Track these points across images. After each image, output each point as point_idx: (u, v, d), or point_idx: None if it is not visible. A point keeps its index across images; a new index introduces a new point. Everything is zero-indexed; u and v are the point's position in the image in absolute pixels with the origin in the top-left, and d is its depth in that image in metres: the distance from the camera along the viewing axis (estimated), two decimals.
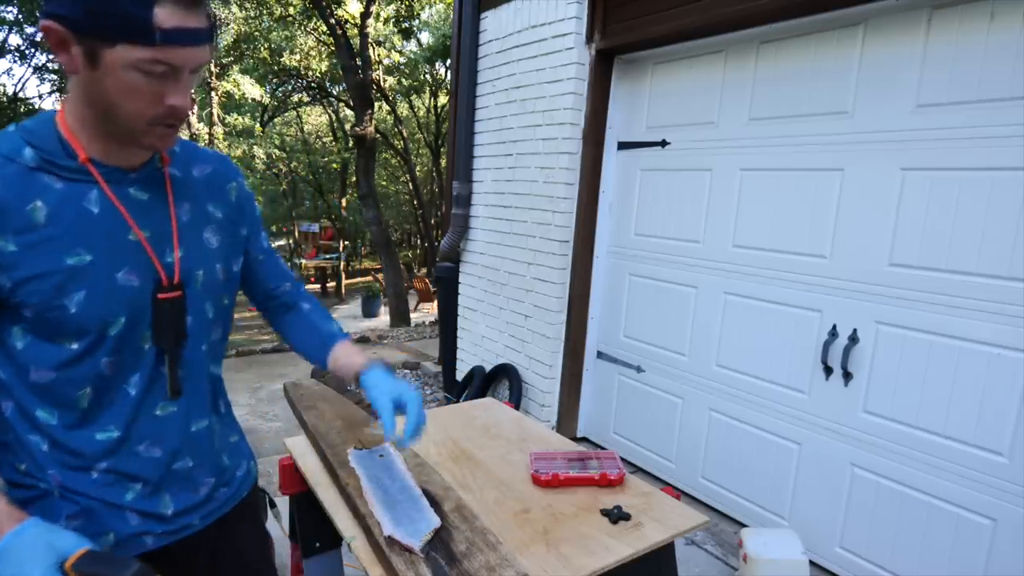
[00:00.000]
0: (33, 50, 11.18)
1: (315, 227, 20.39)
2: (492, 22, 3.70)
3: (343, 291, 18.51)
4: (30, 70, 11.75)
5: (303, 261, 19.69)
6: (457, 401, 3.98)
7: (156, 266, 0.89)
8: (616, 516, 1.31)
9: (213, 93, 15.25)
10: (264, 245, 1.16)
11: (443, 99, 14.56)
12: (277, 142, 18.33)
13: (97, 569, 0.74)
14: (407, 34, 11.93)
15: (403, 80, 13.47)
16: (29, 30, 10.82)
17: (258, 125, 16.49)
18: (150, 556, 0.96)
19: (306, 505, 1.55)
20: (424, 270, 18.28)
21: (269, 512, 2.11)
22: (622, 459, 1.58)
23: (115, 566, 0.74)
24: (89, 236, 0.82)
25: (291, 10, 12.05)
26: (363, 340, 6.61)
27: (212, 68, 15.17)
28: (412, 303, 12.95)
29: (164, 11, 0.73)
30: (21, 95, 12.18)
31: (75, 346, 0.84)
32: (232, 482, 1.11)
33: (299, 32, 12.88)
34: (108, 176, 0.85)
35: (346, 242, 19.84)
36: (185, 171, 0.97)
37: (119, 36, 0.72)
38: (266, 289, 1.20)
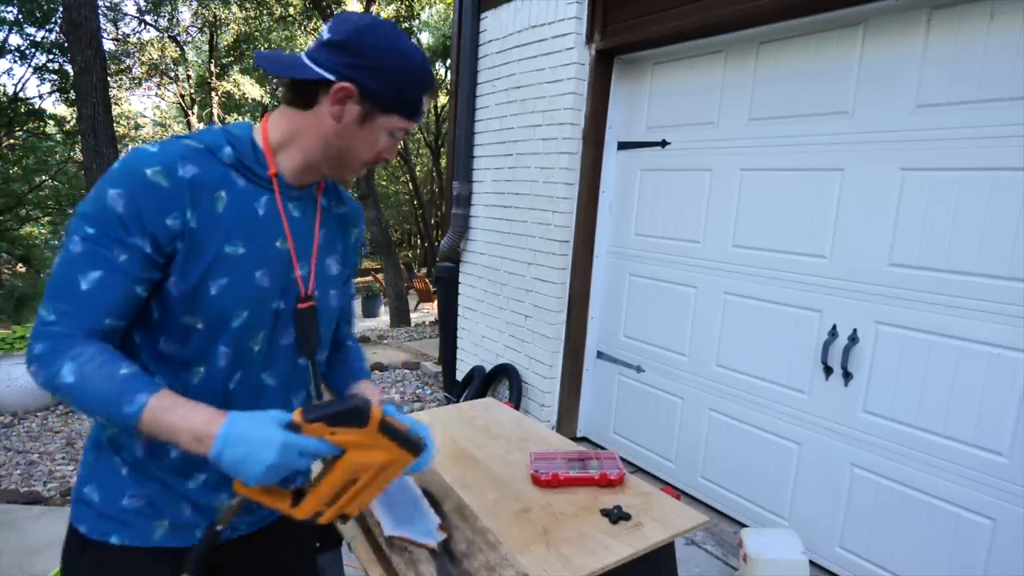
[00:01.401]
0: (33, 50, 11.18)
1: None
2: (492, 22, 3.70)
3: None
4: (30, 70, 11.75)
5: None
6: (457, 401, 3.98)
7: (297, 275, 0.99)
8: (616, 516, 1.31)
9: (213, 93, 15.25)
10: (351, 291, 1.22)
11: (443, 99, 14.56)
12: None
13: (324, 412, 0.80)
14: (407, 34, 11.93)
15: None
16: (29, 30, 10.82)
17: (258, 125, 16.47)
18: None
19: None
20: (424, 270, 18.27)
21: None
22: (622, 459, 1.58)
23: (340, 404, 0.81)
24: (249, 232, 0.92)
25: (291, 10, 12.06)
26: (363, 340, 6.61)
27: (212, 68, 15.18)
28: (412, 303, 12.96)
29: (425, 100, 0.96)
30: (21, 95, 12.18)
31: (200, 326, 0.91)
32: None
33: (299, 32, 12.88)
34: (281, 189, 0.97)
35: None
36: (329, 203, 1.08)
37: (399, 111, 0.93)
38: (338, 327, 1.25)
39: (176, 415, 0.79)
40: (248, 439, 0.77)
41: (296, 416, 0.79)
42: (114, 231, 0.82)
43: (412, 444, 0.85)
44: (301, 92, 0.92)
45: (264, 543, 1.08)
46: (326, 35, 0.90)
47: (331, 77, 0.88)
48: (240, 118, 17.54)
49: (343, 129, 0.92)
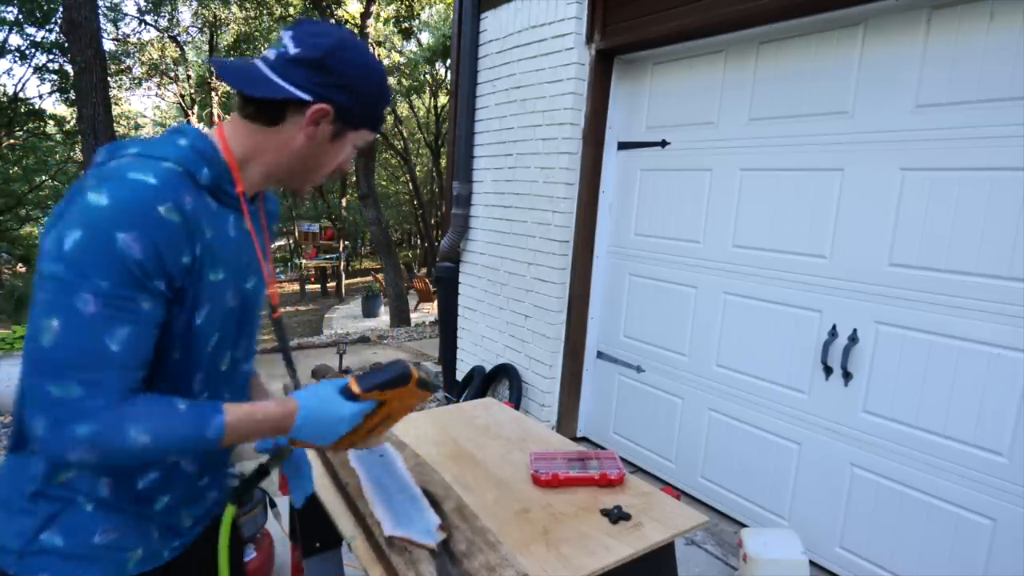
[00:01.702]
0: (33, 50, 11.18)
1: (315, 227, 20.38)
2: (492, 22, 3.70)
3: (343, 291, 18.51)
4: (30, 70, 11.75)
5: (303, 261, 19.69)
6: (457, 401, 3.98)
7: (271, 291, 1.02)
8: (616, 516, 1.31)
9: (213, 93, 15.25)
10: None
11: (443, 99, 14.57)
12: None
13: (377, 380, 0.94)
14: (407, 34, 11.94)
15: (403, 80, 13.47)
16: (29, 30, 10.82)
17: None
18: (165, 569, 0.97)
19: (306, 505, 1.55)
20: (424, 270, 18.28)
21: (269, 512, 2.11)
22: (622, 459, 1.58)
23: (387, 371, 0.95)
24: (224, 257, 0.90)
25: (291, 10, 12.06)
26: (363, 340, 6.61)
27: (212, 68, 15.16)
28: (412, 303, 12.96)
29: (386, 113, 0.98)
30: (21, 95, 12.18)
31: (177, 355, 0.87)
32: (223, 488, 1.11)
33: None
34: (246, 204, 0.96)
35: (346, 242, 19.84)
36: (266, 206, 1.08)
37: (366, 125, 0.95)
38: None
39: (253, 420, 0.86)
40: (322, 418, 0.90)
41: (354, 387, 0.92)
42: (135, 279, 0.75)
43: (434, 387, 1.03)
44: (268, 109, 0.88)
45: (210, 538, 1.07)
46: (293, 50, 0.86)
47: (307, 98, 0.86)
48: None
49: (315, 148, 0.92)
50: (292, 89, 0.86)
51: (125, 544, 0.90)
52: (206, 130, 0.93)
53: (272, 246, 1.10)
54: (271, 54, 0.88)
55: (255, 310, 1.02)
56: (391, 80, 13.17)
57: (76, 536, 0.86)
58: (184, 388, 0.90)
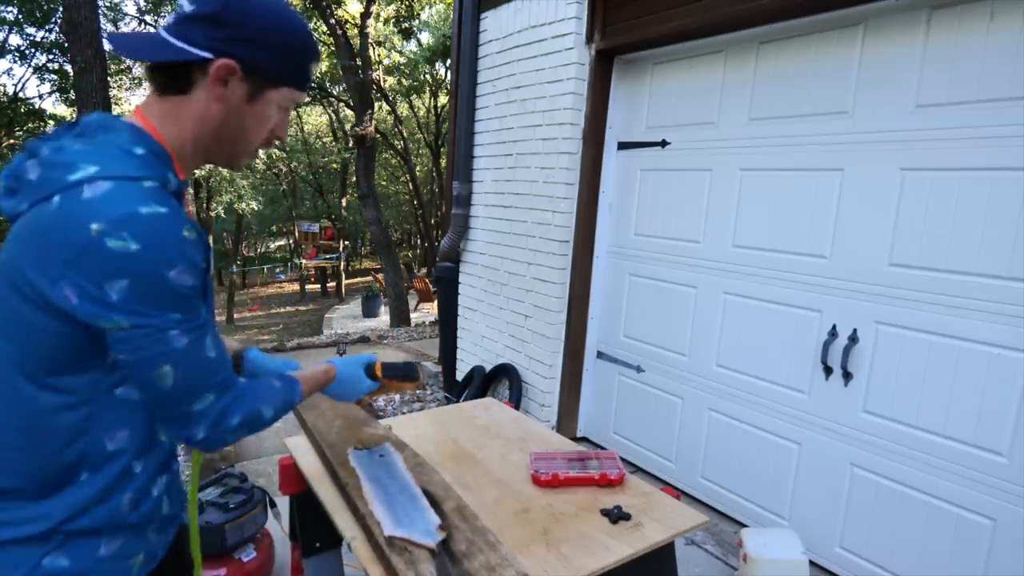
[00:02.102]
0: (33, 50, 11.18)
1: (315, 227, 20.41)
2: (492, 22, 3.70)
3: (343, 291, 18.51)
4: (30, 70, 11.75)
5: (303, 261, 19.69)
6: (457, 401, 3.98)
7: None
8: (616, 516, 1.31)
9: None
10: None
11: (443, 99, 14.57)
12: (277, 142, 18.35)
13: (396, 371, 1.39)
14: (407, 34, 11.93)
15: (403, 80, 13.47)
16: (29, 30, 10.82)
17: None
18: (160, 566, 0.99)
19: (306, 505, 1.55)
20: (424, 270, 18.28)
21: (269, 512, 2.11)
22: (622, 459, 1.58)
23: (404, 366, 1.41)
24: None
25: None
26: (363, 340, 6.61)
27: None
28: (412, 303, 12.96)
29: (313, 67, 0.94)
30: (21, 95, 12.18)
31: None
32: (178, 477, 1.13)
33: None
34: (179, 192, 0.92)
35: (346, 242, 19.84)
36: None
37: (289, 82, 0.90)
38: None
39: (313, 382, 1.17)
40: (350, 382, 1.28)
41: (379, 370, 1.34)
42: (196, 299, 0.81)
43: (422, 385, 1.51)
44: (173, 77, 0.84)
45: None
46: (188, 7, 0.82)
47: (207, 55, 0.81)
48: None
49: (231, 111, 0.86)
50: (190, 48, 0.81)
51: (128, 551, 0.91)
52: (130, 119, 0.86)
53: None
54: (170, 18, 0.84)
55: None
56: (390, 80, 13.18)
57: (81, 553, 0.85)
58: None
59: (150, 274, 0.75)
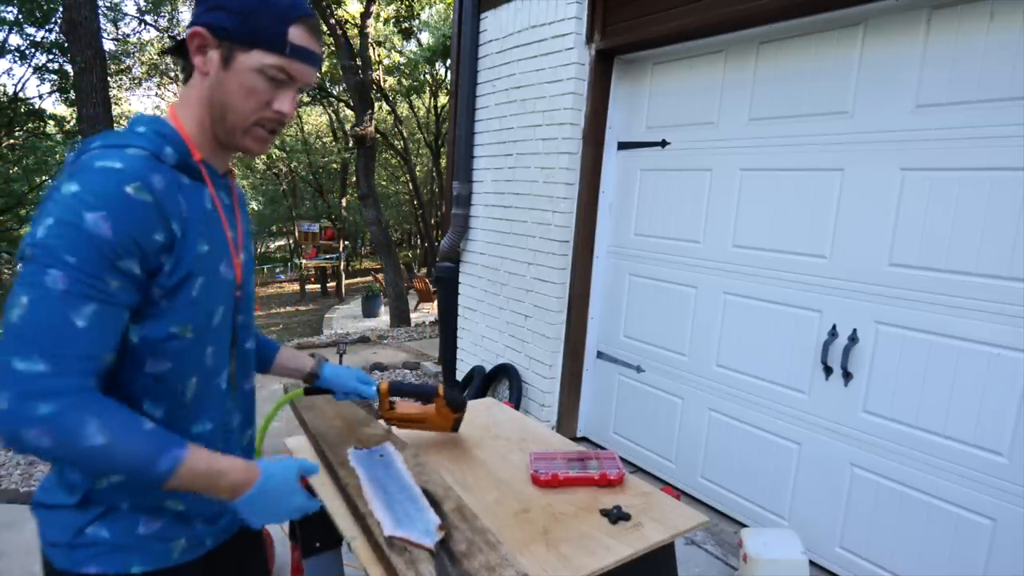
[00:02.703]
0: (33, 50, 11.18)
1: (315, 227, 20.39)
2: (492, 22, 3.70)
3: (343, 291, 18.50)
4: (30, 70, 11.75)
5: (303, 261, 19.68)
6: None
7: (235, 264, 0.97)
8: (616, 516, 1.31)
9: None
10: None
11: (443, 99, 14.56)
12: (277, 142, 18.37)
13: (409, 388, 1.44)
14: (407, 34, 11.92)
15: (403, 80, 13.46)
16: (29, 30, 10.82)
17: None
18: (206, 560, 1.00)
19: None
20: (424, 270, 18.28)
21: None
22: (622, 459, 1.58)
23: (420, 388, 1.46)
24: (206, 230, 0.90)
25: None
26: (363, 340, 6.61)
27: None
28: (412, 303, 12.95)
29: (296, 31, 0.87)
30: (21, 95, 12.18)
31: (189, 335, 0.89)
32: None
33: None
34: (211, 177, 0.94)
35: (346, 242, 19.83)
36: (237, 185, 1.06)
37: (258, 43, 0.85)
38: None
39: (209, 472, 0.84)
40: (270, 502, 0.91)
41: (383, 386, 1.33)
42: (103, 258, 0.75)
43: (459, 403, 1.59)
44: (182, 63, 0.90)
45: (245, 537, 1.11)
46: None
47: (194, 29, 0.85)
48: None
49: (213, 82, 0.87)
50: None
51: (168, 535, 0.93)
52: (162, 113, 0.93)
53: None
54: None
55: (243, 283, 1.01)
56: (390, 80, 13.17)
57: (121, 528, 0.89)
58: (200, 368, 0.92)
59: (72, 213, 0.75)
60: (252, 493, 0.88)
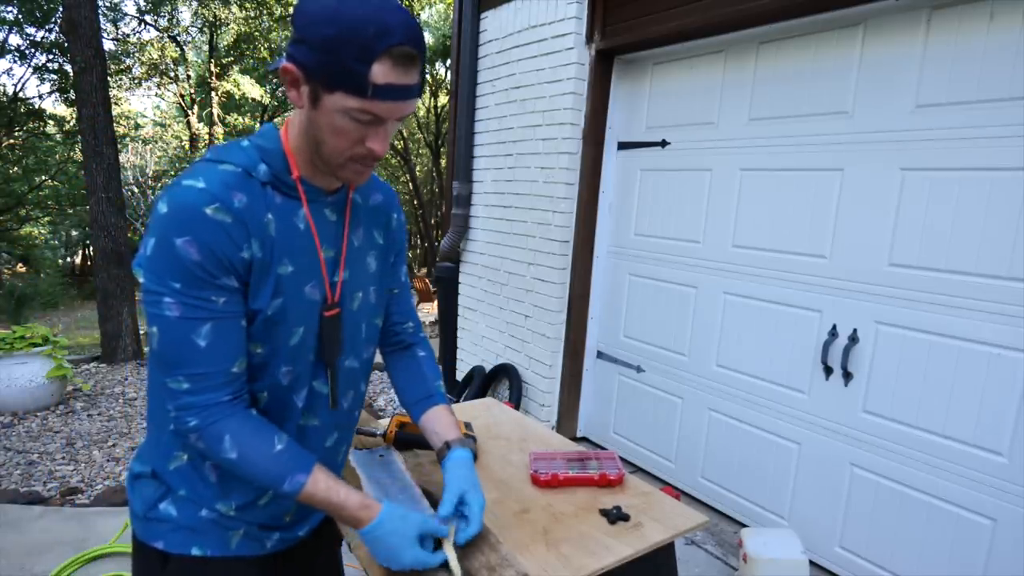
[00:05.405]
0: (33, 50, 11.19)
1: None
2: (492, 22, 3.70)
3: None
4: (30, 70, 11.75)
5: None
6: (457, 401, 3.98)
7: (326, 284, 0.95)
8: (616, 516, 1.31)
9: (213, 93, 15.25)
10: (402, 279, 1.19)
11: (443, 99, 14.57)
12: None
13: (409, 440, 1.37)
14: None
15: None
16: (29, 30, 10.82)
17: (258, 125, 16.49)
18: (265, 559, 1.02)
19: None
20: (424, 270, 18.27)
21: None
22: (622, 459, 1.58)
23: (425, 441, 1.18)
24: (294, 249, 0.90)
25: (291, 10, 12.06)
26: None
27: (212, 68, 15.17)
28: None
29: (381, 68, 0.78)
30: (21, 95, 12.19)
31: (260, 350, 0.90)
32: None
33: None
34: (310, 195, 0.92)
35: None
36: (364, 198, 1.04)
37: (338, 86, 0.78)
38: (391, 322, 1.22)
39: (328, 499, 0.89)
40: (387, 546, 0.92)
41: (390, 435, 1.20)
42: (201, 279, 0.80)
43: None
44: (286, 89, 0.87)
45: (316, 544, 1.14)
46: None
47: (285, 64, 0.82)
48: (240, 118, 17.55)
49: (307, 117, 0.85)
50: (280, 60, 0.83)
51: (227, 524, 0.96)
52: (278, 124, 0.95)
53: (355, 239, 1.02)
54: None
55: (342, 301, 0.99)
56: None
57: (187, 509, 0.94)
58: (273, 384, 0.93)
59: (164, 237, 0.79)
60: (365, 533, 0.91)
